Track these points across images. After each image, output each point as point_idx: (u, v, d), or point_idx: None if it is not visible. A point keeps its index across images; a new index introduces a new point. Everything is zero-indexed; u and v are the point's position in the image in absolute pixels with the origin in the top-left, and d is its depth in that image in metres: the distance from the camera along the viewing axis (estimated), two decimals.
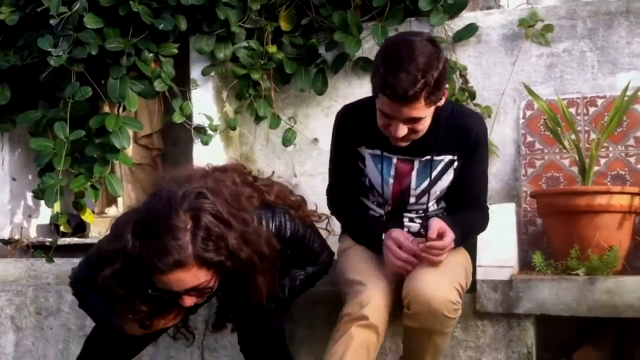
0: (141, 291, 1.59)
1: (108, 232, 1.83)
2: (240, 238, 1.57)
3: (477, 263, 2.23)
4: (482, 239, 2.26)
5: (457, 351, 2.23)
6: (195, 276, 1.54)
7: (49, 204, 2.93)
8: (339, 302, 2.36)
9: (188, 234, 1.51)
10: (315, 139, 3.08)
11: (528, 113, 2.74)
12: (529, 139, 2.72)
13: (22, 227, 3.43)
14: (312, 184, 3.03)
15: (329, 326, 2.37)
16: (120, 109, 3.12)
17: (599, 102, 2.66)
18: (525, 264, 2.47)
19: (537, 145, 2.71)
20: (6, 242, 3.40)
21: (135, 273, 1.55)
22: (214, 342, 2.48)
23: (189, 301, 1.59)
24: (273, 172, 2.14)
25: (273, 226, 1.78)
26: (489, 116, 2.79)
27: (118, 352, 1.93)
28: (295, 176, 3.05)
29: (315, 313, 2.39)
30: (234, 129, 3.12)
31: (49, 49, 2.94)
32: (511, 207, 2.43)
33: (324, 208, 2.98)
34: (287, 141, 3.04)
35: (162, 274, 1.52)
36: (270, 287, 1.70)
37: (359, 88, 3.03)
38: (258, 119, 3.04)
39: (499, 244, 2.27)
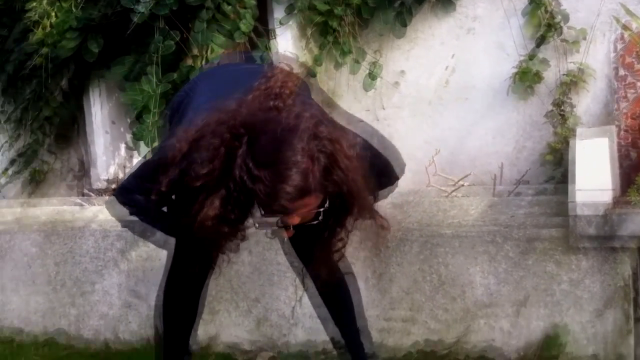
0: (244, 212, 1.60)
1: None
2: (348, 160, 1.56)
3: (570, 198, 2.19)
4: (577, 171, 2.21)
5: (551, 285, 2.21)
6: (315, 199, 1.55)
7: (147, 144, 3.04)
8: (428, 241, 2.38)
9: (310, 163, 1.49)
10: (397, 83, 3.06)
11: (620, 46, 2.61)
12: (623, 69, 2.61)
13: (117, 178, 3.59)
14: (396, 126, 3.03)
15: (418, 264, 2.40)
16: (203, 62, 3.18)
17: None
18: (620, 199, 2.40)
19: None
20: (102, 191, 3.57)
21: (243, 197, 1.53)
22: None
23: (295, 220, 1.58)
24: None
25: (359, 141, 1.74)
26: (584, 39, 2.67)
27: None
28: (377, 120, 3.05)
29: (404, 251, 2.42)
30: (314, 76, 3.13)
31: (132, 7, 3.02)
32: (604, 142, 2.36)
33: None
34: (367, 85, 3.04)
35: (287, 203, 1.50)
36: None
37: (439, 29, 2.97)
38: (338, 65, 3.04)
39: (594, 178, 2.21)
